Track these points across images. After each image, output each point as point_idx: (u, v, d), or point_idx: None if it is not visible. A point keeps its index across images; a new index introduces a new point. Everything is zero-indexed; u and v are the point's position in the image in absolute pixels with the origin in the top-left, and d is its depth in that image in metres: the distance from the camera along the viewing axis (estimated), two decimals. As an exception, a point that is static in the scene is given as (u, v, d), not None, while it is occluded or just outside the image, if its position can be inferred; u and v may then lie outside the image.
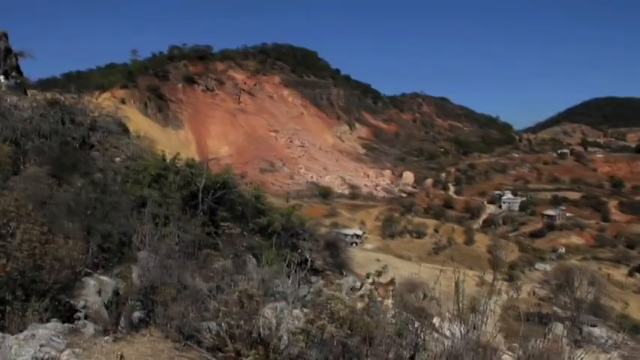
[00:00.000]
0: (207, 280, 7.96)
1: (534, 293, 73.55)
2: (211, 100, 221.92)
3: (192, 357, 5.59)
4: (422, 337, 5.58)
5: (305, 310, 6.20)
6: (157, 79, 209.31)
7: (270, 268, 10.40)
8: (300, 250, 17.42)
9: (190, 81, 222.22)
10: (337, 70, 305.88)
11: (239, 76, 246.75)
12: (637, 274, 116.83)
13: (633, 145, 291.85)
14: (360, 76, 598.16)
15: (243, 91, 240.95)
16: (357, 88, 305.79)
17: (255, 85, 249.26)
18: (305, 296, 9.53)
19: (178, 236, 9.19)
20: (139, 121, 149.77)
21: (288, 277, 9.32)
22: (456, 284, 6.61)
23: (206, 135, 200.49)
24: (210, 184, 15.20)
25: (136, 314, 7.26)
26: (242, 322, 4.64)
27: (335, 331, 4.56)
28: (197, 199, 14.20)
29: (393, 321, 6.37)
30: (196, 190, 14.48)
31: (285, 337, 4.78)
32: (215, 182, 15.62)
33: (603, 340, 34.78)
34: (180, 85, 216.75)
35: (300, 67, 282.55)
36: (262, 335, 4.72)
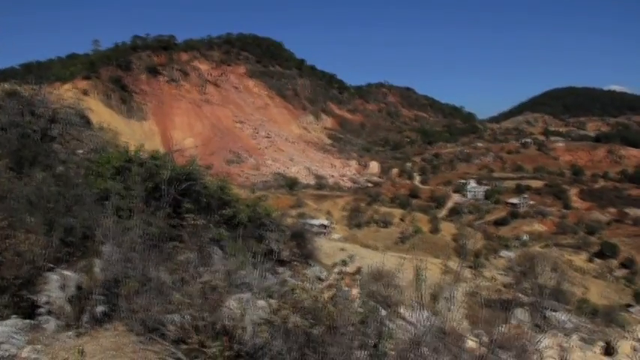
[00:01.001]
0: (172, 273, 7.90)
1: (495, 279, 74.81)
2: (176, 91, 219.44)
3: (156, 350, 5.56)
4: (386, 325, 5.64)
5: (271, 300, 6.20)
6: (119, 69, 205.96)
7: (236, 259, 10.36)
8: (266, 241, 17.39)
9: (154, 72, 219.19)
10: (302, 61, 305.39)
11: (204, 66, 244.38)
12: (596, 259, 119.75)
13: (593, 134, 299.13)
14: (325, 66, 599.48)
15: (208, 81, 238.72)
16: (323, 79, 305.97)
17: (220, 75, 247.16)
18: (271, 287, 9.51)
19: (142, 229, 9.09)
20: (101, 113, 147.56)
21: (255, 268, 9.31)
22: (417, 272, 6.69)
23: (171, 126, 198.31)
24: (174, 176, 15.00)
25: (100, 308, 7.18)
26: (206, 314, 4.63)
27: (299, 320, 4.59)
28: (161, 191, 14.02)
29: (361, 310, 6.41)
30: (161, 182, 14.27)
31: (249, 328, 4.78)
32: (180, 174, 15.42)
33: (564, 324, 35.62)
34: (143, 76, 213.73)
35: (266, 58, 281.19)
36: (226, 326, 4.72)
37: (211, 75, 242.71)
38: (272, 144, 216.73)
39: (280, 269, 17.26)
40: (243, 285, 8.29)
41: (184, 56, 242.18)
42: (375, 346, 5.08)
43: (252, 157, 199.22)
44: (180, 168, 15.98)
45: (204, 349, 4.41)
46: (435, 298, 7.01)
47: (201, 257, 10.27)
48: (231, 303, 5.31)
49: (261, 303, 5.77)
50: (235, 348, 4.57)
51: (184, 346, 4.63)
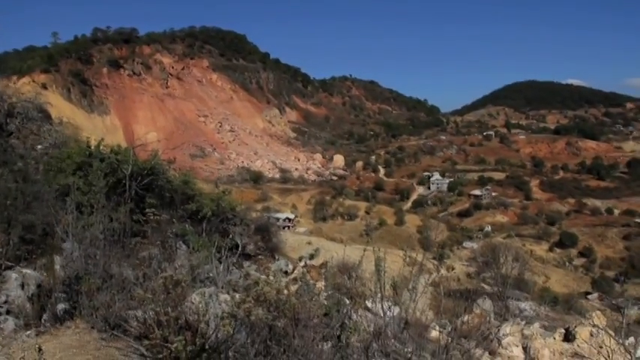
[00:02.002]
0: (134, 268, 7.81)
1: (453, 270, 75.79)
2: (138, 85, 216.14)
3: (118, 347, 5.50)
4: (349, 316, 5.68)
5: (234, 294, 6.19)
6: (80, 63, 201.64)
7: (200, 254, 10.30)
8: (230, 236, 17.31)
9: (116, 65, 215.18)
10: (266, 54, 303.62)
11: (166, 60, 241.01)
12: (556, 249, 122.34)
13: (552, 127, 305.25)
14: (289, 59, 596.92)
15: (171, 75, 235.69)
16: (287, 72, 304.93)
17: (183, 69, 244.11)
18: (237, 281, 9.49)
19: (104, 225, 8.95)
20: (61, 107, 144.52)
21: (220, 262, 9.27)
22: (376, 263, 6.74)
23: (133, 121, 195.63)
24: (137, 171, 14.80)
25: (60, 306, 7.05)
26: (169, 309, 4.60)
27: (262, 313, 4.59)
28: (124, 186, 13.81)
29: (326, 302, 6.45)
30: (123, 177, 14.05)
31: (213, 322, 4.77)
32: (143, 169, 15.23)
33: (527, 313, 36.25)
34: (105, 70, 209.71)
35: (229, 51, 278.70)
36: (189, 321, 4.70)
37: (174, 68, 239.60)
38: (236, 138, 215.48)
39: (246, 263, 17.22)
40: (207, 279, 8.26)
41: (146, 49, 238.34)
42: (339, 337, 5.11)
43: (217, 151, 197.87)
44: (143, 163, 15.77)
45: (167, 344, 4.38)
46: (399, 289, 7.05)
47: (165, 252, 10.18)
48: (195, 297, 5.29)
49: (225, 297, 5.75)
50: (199, 342, 4.55)
51: (147, 342, 4.58)
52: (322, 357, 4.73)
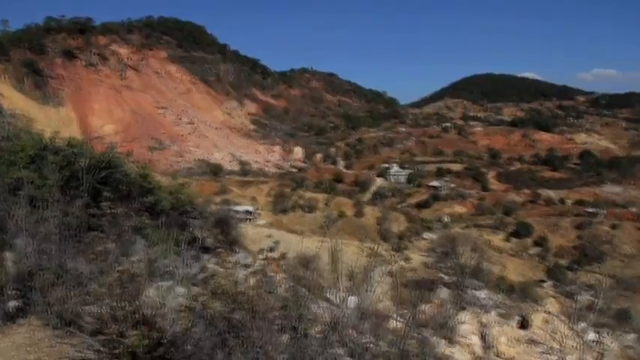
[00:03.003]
0: (91, 263, 7.65)
1: (411, 261, 76.71)
2: (94, 76, 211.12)
3: (73, 343, 5.38)
4: (310, 308, 5.68)
5: (192, 287, 6.13)
6: (32, 53, 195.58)
7: (159, 247, 10.17)
8: (189, 229, 17.15)
9: (70, 55, 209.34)
10: (225, 46, 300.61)
11: (123, 50, 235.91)
12: (513, 239, 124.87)
13: (508, 119, 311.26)
14: (248, 51, 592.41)
15: (128, 66, 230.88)
16: (246, 64, 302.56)
17: (140, 60, 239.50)
18: (196, 275, 9.42)
19: (59, 219, 8.75)
20: (13, 99, 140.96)
21: (178, 255, 9.17)
22: (333, 254, 6.77)
23: (89, 113, 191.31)
24: (93, 164, 14.52)
25: (12, 304, 6.86)
26: (125, 304, 4.52)
27: (219, 306, 4.56)
28: (80, 180, 13.53)
29: (286, 294, 6.44)
30: (79, 170, 13.78)
31: (170, 316, 4.72)
32: (99, 162, 14.95)
33: (484, 302, 37.02)
34: (59, 60, 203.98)
35: (187, 42, 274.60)
36: (146, 315, 4.63)
37: (131, 59, 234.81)
38: (195, 130, 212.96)
39: (205, 256, 17.07)
40: (166, 273, 8.16)
41: (102, 40, 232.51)
42: (295, 328, 5.11)
43: (175, 144, 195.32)
44: (99, 155, 15.47)
45: (123, 339, 4.31)
46: (359, 280, 7.11)
47: (122, 246, 10.01)
48: (151, 291, 5.22)
49: (182, 290, 5.69)
50: (155, 336, 4.49)
51: (102, 337, 4.50)
52: (279, 348, 4.73)
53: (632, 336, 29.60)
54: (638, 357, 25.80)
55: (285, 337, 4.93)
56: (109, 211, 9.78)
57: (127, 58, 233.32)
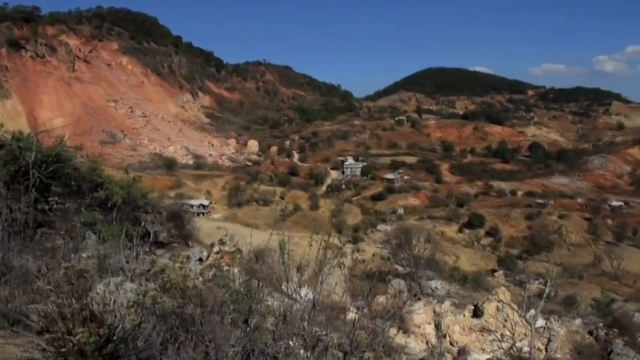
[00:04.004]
0: (38, 260, 7.45)
1: (365, 251, 77.30)
2: (42, 68, 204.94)
3: (18, 343, 5.21)
4: (264, 301, 5.67)
5: (142, 283, 6.03)
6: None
7: (110, 243, 9.99)
8: (142, 224, 16.90)
9: (16, 46, 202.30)
10: (179, 37, 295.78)
11: (72, 41, 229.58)
12: (466, 230, 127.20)
13: (461, 112, 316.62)
14: (202, 43, 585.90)
15: (78, 58, 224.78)
16: (200, 56, 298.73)
17: (90, 51, 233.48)
18: (149, 270, 9.25)
19: (4, 215, 8.49)
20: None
21: (131, 250, 9.03)
22: (280, 246, 6.76)
23: (37, 106, 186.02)
24: (41, 158, 14.13)
25: (-46, 303, 6.64)
26: (72, 301, 4.42)
27: (168, 301, 4.51)
28: (27, 175, 13.16)
29: (240, 288, 6.40)
30: (26, 165, 13.40)
31: (119, 312, 4.64)
32: (47, 156, 14.55)
33: (438, 292, 37.58)
34: (3, 50, 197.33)
35: (140, 34, 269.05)
36: (95, 312, 4.54)
37: (81, 51, 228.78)
38: (148, 123, 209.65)
39: (159, 251, 16.84)
40: (118, 269, 8.01)
41: (50, 30, 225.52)
42: (246, 321, 5.09)
43: (128, 137, 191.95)
44: (48, 149, 15.06)
45: (71, 337, 4.21)
46: (313, 273, 7.11)
47: (73, 242, 9.79)
48: (101, 288, 5.12)
49: (133, 286, 5.59)
50: (104, 333, 4.40)
51: (48, 336, 4.38)
52: (230, 341, 4.71)
53: (578, 321, 30.53)
54: (583, 341, 26.64)
55: (236, 331, 4.90)
56: (58, 207, 9.53)
57: (77, 50, 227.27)
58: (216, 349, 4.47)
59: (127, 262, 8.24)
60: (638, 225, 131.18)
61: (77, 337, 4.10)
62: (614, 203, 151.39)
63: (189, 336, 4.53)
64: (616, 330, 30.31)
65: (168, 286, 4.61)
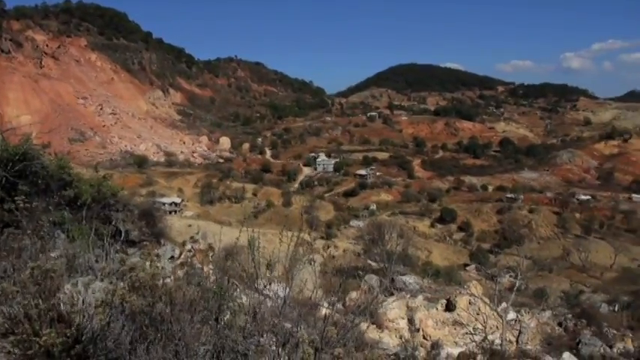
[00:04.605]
0: (3, 261, 7.30)
1: (337, 247, 77.60)
2: (8, 64, 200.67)
3: (-17, 345, 5.11)
4: (231, 297, 5.63)
5: (111, 282, 5.94)
6: None
7: (80, 242, 9.83)
8: (113, 222, 16.67)
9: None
10: (149, 34, 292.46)
11: (39, 37, 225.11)
12: (438, 224, 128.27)
13: (432, 108, 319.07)
14: (172, 39, 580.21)
15: (46, 54, 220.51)
16: (171, 53, 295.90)
17: (58, 47, 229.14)
18: (118, 269, 9.12)
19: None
20: None
21: (102, 250, 8.90)
22: (249, 243, 6.73)
23: (3, 103, 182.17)
24: (7, 157, 13.83)
25: None
26: (39, 301, 4.33)
27: (137, 299, 4.45)
28: (-8, 173, 12.86)
29: (212, 286, 6.35)
30: (-9, 163, 13.09)
31: (87, 312, 4.56)
32: (13, 154, 14.24)
33: (411, 286, 37.82)
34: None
35: (109, 30, 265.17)
36: (62, 312, 4.46)
37: (48, 47, 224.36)
38: (118, 121, 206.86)
39: (130, 250, 16.64)
40: (87, 269, 7.89)
41: (16, 25, 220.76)
42: (216, 319, 5.05)
43: (98, 135, 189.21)
44: (14, 148, 14.77)
45: (37, 339, 4.12)
46: (286, 269, 7.10)
47: (40, 242, 9.62)
48: (69, 288, 5.03)
49: (102, 285, 5.51)
50: (72, 333, 4.33)
51: (13, 337, 4.29)
52: (200, 339, 4.67)
53: (547, 313, 31.07)
54: (552, 332, 27.12)
55: (207, 329, 4.86)
56: (25, 206, 9.34)
57: (44, 45, 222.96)
58: (186, 347, 4.43)
59: (97, 261, 8.13)
60: (605, 218, 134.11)
61: (44, 339, 4.02)
62: (582, 197, 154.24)
63: (159, 335, 4.47)
64: (584, 320, 31.00)
65: (137, 284, 4.55)
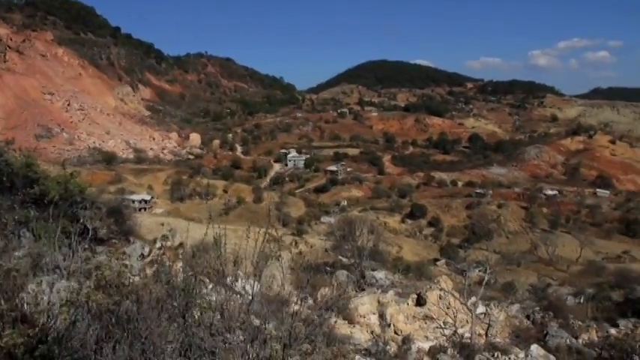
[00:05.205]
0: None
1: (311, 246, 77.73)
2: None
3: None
4: (199, 295, 5.59)
5: (76, 280, 5.86)
6: None
7: (46, 240, 9.67)
8: (80, 220, 16.41)
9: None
10: (117, 28, 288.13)
11: (3, 30, 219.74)
12: (408, 220, 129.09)
13: (402, 105, 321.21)
14: (141, 35, 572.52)
15: (10, 48, 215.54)
16: (140, 48, 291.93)
17: (23, 41, 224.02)
18: (88, 268, 9.02)
19: None
20: None
21: (69, 248, 8.77)
22: (215, 240, 6.71)
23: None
24: (-31, 154, 13.55)
25: None
26: (1, 301, 4.24)
27: (102, 298, 4.39)
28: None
29: (182, 284, 6.30)
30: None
31: (52, 312, 4.48)
32: (-24, 151, 13.96)
33: (382, 282, 38.05)
34: None
35: (76, 24, 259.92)
36: (26, 312, 4.38)
37: (13, 40, 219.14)
38: (86, 117, 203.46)
39: (99, 248, 16.42)
40: (54, 268, 7.77)
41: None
42: (183, 316, 5.02)
43: (65, 131, 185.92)
44: (-24, 144, 14.45)
45: (-1, 339, 4.04)
46: (257, 265, 7.06)
47: (4, 241, 9.44)
48: (33, 287, 4.93)
49: (67, 284, 5.42)
50: (36, 334, 4.25)
51: (-29, 340, 4.20)
52: (167, 337, 4.63)
53: (516, 306, 31.59)
54: (521, 325, 27.58)
55: (174, 327, 4.82)
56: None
57: (8, 39, 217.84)
58: (153, 345, 4.38)
59: (64, 259, 8.01)
60: (571, 213, 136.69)
61: (5, 340, 3.94)
62: (549, 192, 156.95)
63: (126, 334, 4.42)
64: (551, 313, 31.60)
65: (103, 283, 4.48)
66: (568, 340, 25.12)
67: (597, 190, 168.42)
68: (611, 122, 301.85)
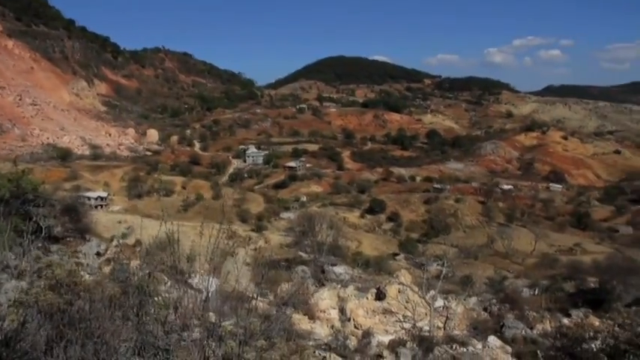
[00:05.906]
0: None
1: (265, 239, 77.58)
2: None
3: None
4: (156, 292, 5.50)
5: (26, 280, 5.69)
6: None
7: (-3, 239, 9.38)
8: (33, 218, 16.02)
9: None
10: (71, 21, 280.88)
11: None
12: (367, 215, 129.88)
13: (361, 100, 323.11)
14: (97, 28, 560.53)
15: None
16: (95, 42, 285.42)
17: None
18: (39, 267, 8.78)
19: None
20: None
21: (21, 246, 8.54)
22: (168, 237, 6.62)
23: None
24: None
25: None
26: (-54, 303, 4.09)
27: (52, 297, 4.28)
28: None
29: (140, 282, 6.19)
30: None
31: (1, 313, 4.34)
32: None
33: (342, 277, 38.26)
34: None
35: (27, 16, 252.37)
36: (-27, 314, 4.24)
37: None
38: (39, 112, 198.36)
39: (54, 247, 16.05)
40: (4, 268, 7.54)
41: None
42: (137, 314, 4.93)
43: (17, 127, 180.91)
44: None
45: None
46: (216, 262, 6.98)
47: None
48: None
49: (17, 284, 5.26)
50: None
51: None
52: (120, 336, 4.54)
53: (474, 299, 32.18)
54: (478, 317, 28.09)
55: (127, 325, 4.72)
56: None
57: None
58: (105, 345, 4.28)
59: (15, 258, 7.79)
60: (526, 207, 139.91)
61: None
62: (505, 187, 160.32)
63: (78, 333, 4.31)
64: (507, 305, 32.33)
65: (54, 282, 4.36)
66: (524, 331, 25.73)
67: (550, 184, 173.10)
68: (564, 119, 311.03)
